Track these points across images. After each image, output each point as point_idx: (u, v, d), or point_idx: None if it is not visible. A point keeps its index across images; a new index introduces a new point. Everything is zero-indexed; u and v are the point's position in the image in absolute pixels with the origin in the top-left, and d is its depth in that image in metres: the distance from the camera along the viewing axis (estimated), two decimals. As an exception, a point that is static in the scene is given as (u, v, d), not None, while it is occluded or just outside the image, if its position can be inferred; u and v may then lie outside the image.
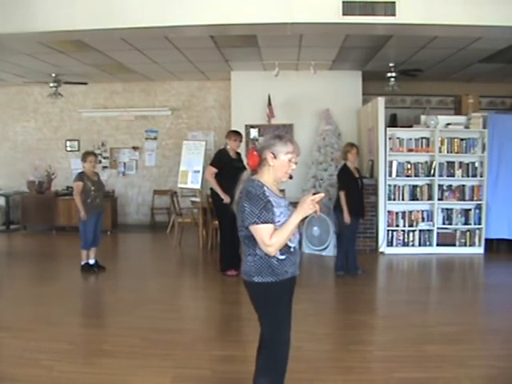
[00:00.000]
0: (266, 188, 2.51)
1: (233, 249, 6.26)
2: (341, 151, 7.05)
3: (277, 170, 2.59)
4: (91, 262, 6.69)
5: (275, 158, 2.56)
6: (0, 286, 6.17)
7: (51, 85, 9.71)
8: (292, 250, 2.57)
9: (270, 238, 2.41)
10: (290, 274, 2.57)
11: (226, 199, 6.15)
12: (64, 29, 5.70)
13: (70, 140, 11.39)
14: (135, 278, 6.35)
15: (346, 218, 6.22)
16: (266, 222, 2.42)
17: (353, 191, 6.30)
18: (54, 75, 9.68)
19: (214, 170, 6.35)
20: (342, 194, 6.23)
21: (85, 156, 6.66)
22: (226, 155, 6.46)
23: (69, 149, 11.41)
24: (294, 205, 2.27)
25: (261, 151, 2.60)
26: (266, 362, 2.67)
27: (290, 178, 2.66)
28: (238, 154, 6.62)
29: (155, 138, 11.32)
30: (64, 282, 6.35)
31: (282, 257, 2.52)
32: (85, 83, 10.12)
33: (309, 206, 2.41)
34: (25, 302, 5.37)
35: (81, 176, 6.56)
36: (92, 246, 6.65)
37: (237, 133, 6.69)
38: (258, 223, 2.42)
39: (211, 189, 6.54)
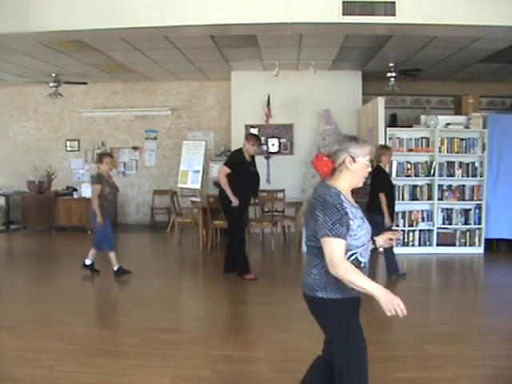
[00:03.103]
0: (343, 197, 2.29)
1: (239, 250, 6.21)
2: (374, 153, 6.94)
3: (355, 175, 2.36)
4: (88, 262, 6.48)
5: (354, 161, 2.33)
6: (0, 285, 6.17)
7: (51, 85, 9.72)
8: (363, 265, 2.33)
9: (341, 256, 2.18)
10: (356, 293, 2.28)
11: (235, 202, 6.03)
12: (64, 29, 5.70)
13: (70, 140, 11.40)
14: (135, 278, 6.34)
15: (388, 221, 5.98)
16: (337, 236, 2.19)
17: (389, 193, 6.09)
18: (54, 75, 9.68)
19: (228, 170, 6.10)
20: (383, 196, 5.95)
21: (101, 157, 6.43)
22: (242, 157, 6.24)
23: (69, 149, 11.41)
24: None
25: (334, 155, 2.36)
26: None
27: (364, 184, 2.43)
28: (253, 158, 6.40)
29: (155, 138, 11.32)
30: (64, 282, 6.35)
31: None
32: (85, 83, 10.12)
33: (391, 304, 2.14)
34: (25, 302, 5.36)
35: (99, 178, 6.25)
36: (99, 248, 6.43)
37: (257, 137, 6.40)
38: (329, 236, 2.19)
39: (220, 188, 6.34)
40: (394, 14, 5.42)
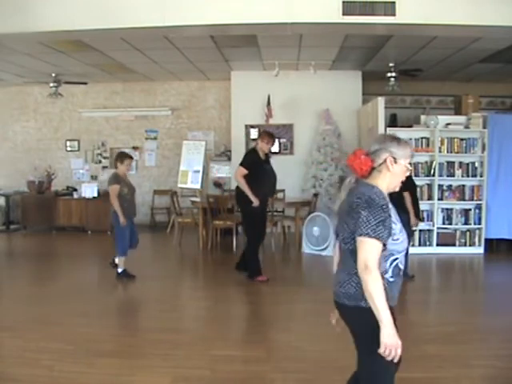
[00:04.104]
0: (387, 198, 2.17)
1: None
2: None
3: (395, 177, 2.23)
4: (115, 263, 6.34)
5: (395, 162, 2.21)
6: (0, 285, 6.17)
7: (51, 85, 9.72)
8: (401, 273, 2.21)
9: (376, 261, 2.03)
10: (392, 302, 2.13)
11: (255, 202, 5.95)
12: (64, 29, 5.70)
13: (70, 140, 11.40)
14: (135, 278, 6.33)
15: (413, 220, 5.90)
16: (378, 238, 2.04)
17: (413, 192, 6.04)
18: (54, 75, 9.68)
19: (245, 171, 6.00)
20: (408, 195, 5.85)
21: (122, 157, 6.19)
22: (257, 156, 6.16)
23: (69, 149, 11.42)
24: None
25: (374, 154, 2.22)
26: None
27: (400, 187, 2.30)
28: (267, 156, 6.32)
29: (155, 138, 11.32)
30: (64, 282, 6.35)
31: (392, 279, 2.15)
32: (85, 83, 10.12)
33: (390, 345, 2.00)
34: (25, 302, 5.36)
35: (117, 178, 6.10)
36: (132, 248, 6.38)
37: (271, 135, 6.28)
38: (370, 236, 2.03)
39: (237, 190, 6.24)
40: (394, 14, 5.42)
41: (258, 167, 6.07)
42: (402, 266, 2.19)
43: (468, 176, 7.95)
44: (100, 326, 4.58)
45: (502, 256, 8.05)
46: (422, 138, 7.97)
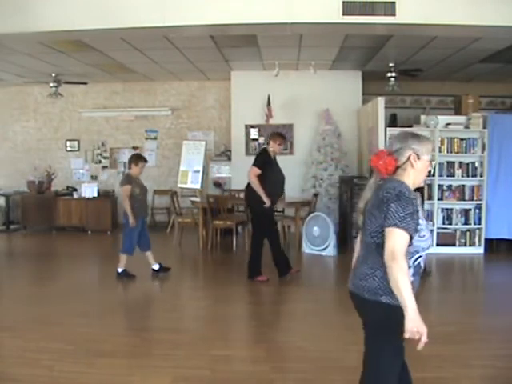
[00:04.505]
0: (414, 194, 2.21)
1: (278, 252, 6.23)
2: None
3: (419, 173, 2.27)
4: (155, 266, 6.40)
5: (418, 158, 2.25)
6: (0, 285, 6.17)
7: (51, 85, 9.71)
8: (421, 271, 2.25)
9: (403, 251, 2.06)
10: None
11: (267, 202, 6.00)
12: (64, 29, 5.69)
13: (70, 140, 11.39)
14: (135, 278, 6.34)
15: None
16: (405, 230, 2.07)
17: (421, 193, 5.94)
18: (54, 75, 9.68)
19: (259, 171, 6.05)
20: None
21: (137, 160, 6.24)
22: (268, 157, 6.23)
23: (69, 149, 11.41)
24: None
25: (397, 153, 2.26)
26: None
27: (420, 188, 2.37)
28: (274, 157, 6.36)
29: (155, 138, 11.32)
30: (64, 282, 6.35)
31: (413, 278, 2.16)
32: (85, 83, 10.12)
33: (417, 332, 2.03)
34: (25, 302, 5.37)
35: (129, 179, 6.15)
36: (146, 250, 6.40)
37: (283, 136, 6.38)
38: (398, 226, 2.06)
39: (248, 189, 6.27)
40: (394, 14, 5.41)
41: (269, 168, 6.14)
42: (423, 265, 2.23)
43: (468, 176, 7.95)
44: (100, 325, 4.58)
45: (502, 256, 8.05)
46: (421, 138, 7.96)
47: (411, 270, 2.16)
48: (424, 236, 2.18)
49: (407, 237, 2.08)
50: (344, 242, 8.23)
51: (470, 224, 8.00)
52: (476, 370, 3.55)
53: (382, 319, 2.18)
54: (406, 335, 2.04)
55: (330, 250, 7.76)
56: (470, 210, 8.02)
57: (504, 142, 7.96)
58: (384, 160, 2.24)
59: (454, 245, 7.99)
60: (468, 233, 8.01)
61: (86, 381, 3.41)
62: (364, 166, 9.20)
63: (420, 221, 2.15)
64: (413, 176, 2.26)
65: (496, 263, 7.62)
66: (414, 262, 2.19)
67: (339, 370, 3.59)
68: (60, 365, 3.61)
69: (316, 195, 8.83)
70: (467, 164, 7.95)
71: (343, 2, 5.41)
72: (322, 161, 9.64)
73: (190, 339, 4.24)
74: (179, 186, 10.06)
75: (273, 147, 6.23)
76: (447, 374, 3.47)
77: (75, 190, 10.71)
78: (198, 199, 8.95)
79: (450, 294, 5.84)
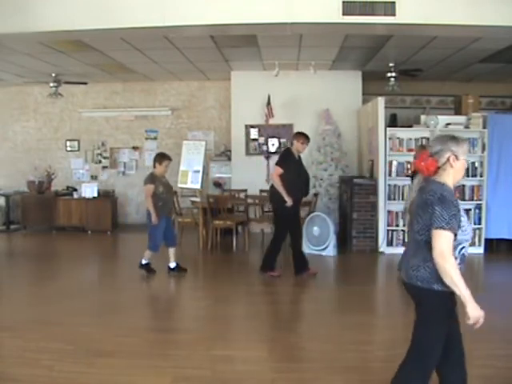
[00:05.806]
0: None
1: (296, 250, 6.30)
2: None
3: (458, 173, 2.51)
4: (172, 265, 6.47)
5: (457, 159, 2.48)
6: (0, 285, 6.17)
7: (51, 85, 9.71)
8: (465, 259, 2.55)
9: (451, 250, 2.37)
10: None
11: (289, 202, 6.03)
12: (64, 29, 5.69)
13: (70, 140, 11.39)
14: (135, 278, 6.35)
15: None
16: (451, 230, 2.36)
17: None
18: (54, 75, 9.68)
19: (281, 170, 6.09)
20: None
21: (161, 158, 6.31)
22: (292, 156, 6.25)
23: (69, 149, 11.41)
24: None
25: (438, 154, 2.49)
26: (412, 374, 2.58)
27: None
28: (299, 157, 6.39)
29: (155, 138, 11.32)
30: (64, 282, 6.35)
31: (459, 266, 2.46)
32: (85, 83, 10.12)
33: (478, 317, 2.39)
34: (25, 302, 5.37)
35: (152, 178, 6.23)
36: (170, 246, 6.47)
37: (306, 136, 6.32)
38: (444, 228, 2.35)
39: (272, 189, 6.33)
40: (394, 14, 5.41)
41: (293, 167, 6.16)
42: (467, 254, 2.51)
43: (468, 176, 7.93)
44: (100, 325, 4.59)
45: (502, 256, 8.05)
46: (422, 138, 7.97)
47: (457, 260, 2.44)
48: (466, 230, 2.46)
49: (452, 236, 2.36)
50: (344, 242, 8.24)
51: (470, 224, 7.98)
52: (475, 370, 3.53)
53: (434, 304, 2.48)
54: (470, 321, 2.36)
55: (330, 250, 7.76)
56: (470, 210, 8.01)
57: (504, 142, 7.96)
58: (426, 162, 2.48)
59: (453, 245, 7.98)
60: (468, 233, 8.01)
61: (85, 381, 3.41)
62: (364, 166, 9.21)
63: (462, 218, 2.42)
64: (452, 175, 2.49)
65: (496, 263, 7.62)
66: (459, 252, 2.47)
67: (339, 370, 3.59)
68: (60, 365, 3.62)
69: (316, 195, 8.83)
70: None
71: (343, 2, 5.40)
72: (322, 161, 9.64)
73: (190, 339, 4.24)
74: (179, 185, 10.04)
75: (297, 146, 6.25)
76: (447, 374, 3.46)
77: (75, 190, 10.71)
78: (198, 199, 8.95)
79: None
